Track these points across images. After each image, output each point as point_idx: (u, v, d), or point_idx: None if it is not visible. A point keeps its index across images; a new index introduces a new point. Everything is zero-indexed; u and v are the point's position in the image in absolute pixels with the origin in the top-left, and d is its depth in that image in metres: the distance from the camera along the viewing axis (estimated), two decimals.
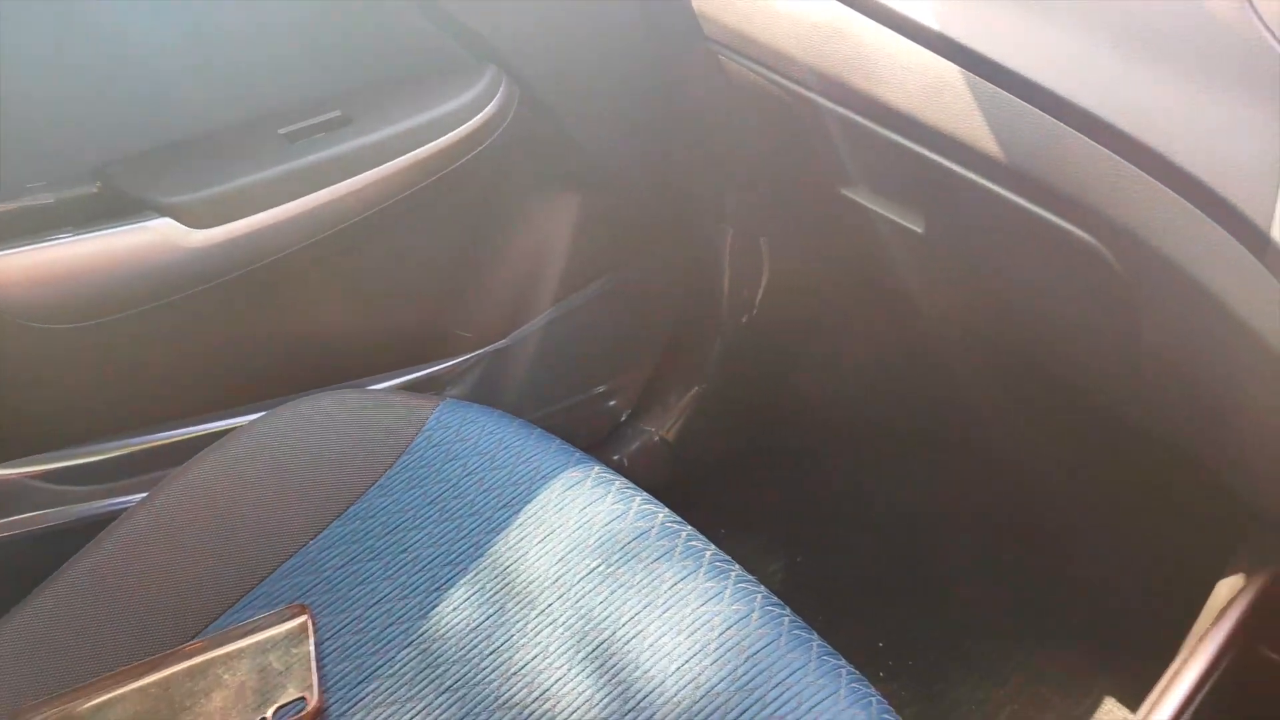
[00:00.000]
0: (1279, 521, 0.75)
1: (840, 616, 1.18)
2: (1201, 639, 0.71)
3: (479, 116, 1.00)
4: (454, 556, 0.70)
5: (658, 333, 1.32)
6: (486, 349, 1.12)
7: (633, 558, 0.68)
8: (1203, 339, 0.66)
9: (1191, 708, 0.68)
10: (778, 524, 1.29)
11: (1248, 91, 0.59)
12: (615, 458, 1.29)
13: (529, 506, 0.73)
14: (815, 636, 0.63)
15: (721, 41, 0.99)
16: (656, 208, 1.21)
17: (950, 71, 0.75)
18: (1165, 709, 0.68)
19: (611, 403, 1.30)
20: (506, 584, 0.67)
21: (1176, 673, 0.69)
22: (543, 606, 0.65)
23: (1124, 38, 0.65)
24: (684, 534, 0.70)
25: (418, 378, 1.10)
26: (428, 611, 0.66)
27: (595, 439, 1.30)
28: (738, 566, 0.68)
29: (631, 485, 0.76)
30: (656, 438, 1.31)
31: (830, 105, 0.89)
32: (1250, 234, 0.59)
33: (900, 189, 0.92)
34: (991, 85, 0.73)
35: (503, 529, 0.71)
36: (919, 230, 0.92)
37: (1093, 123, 0.66)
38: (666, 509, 0.73)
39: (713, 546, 0.70)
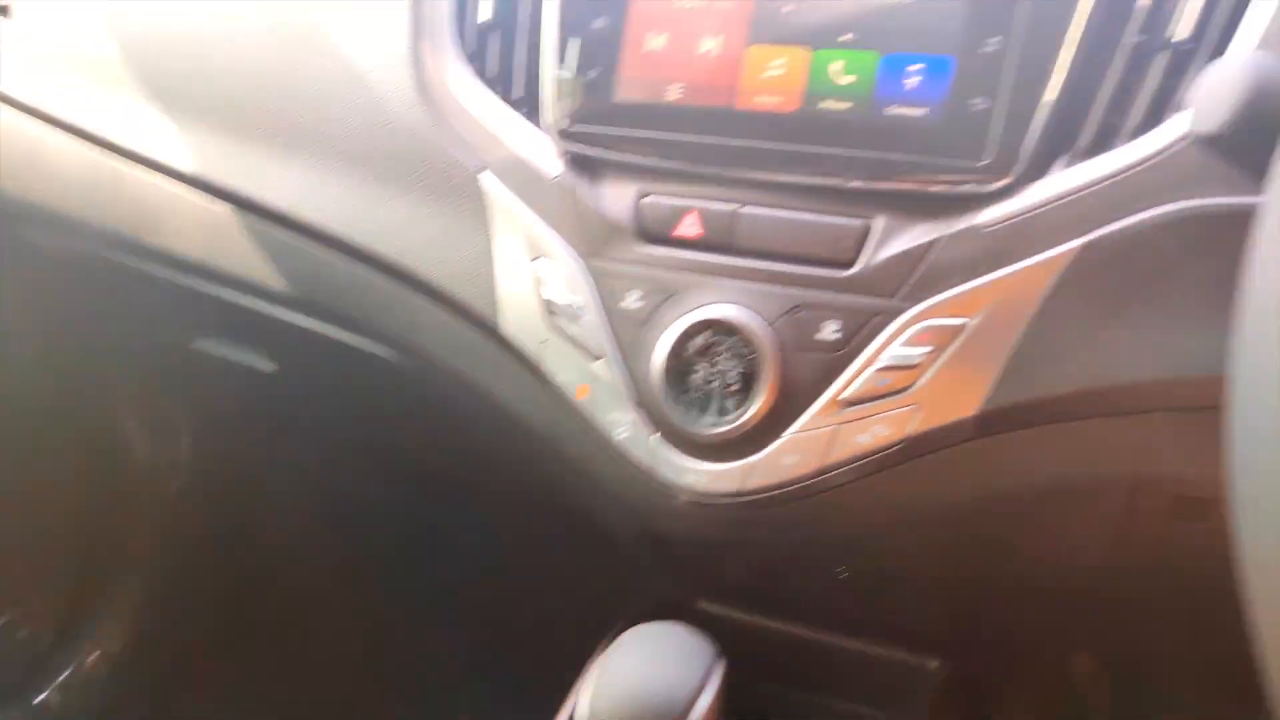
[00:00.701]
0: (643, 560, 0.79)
1: None
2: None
3: None
4: None
5: (63, 533, 1.13)
6: None
7: None
8: (495, 421, 0.68)
9: None
10: (261, 697, 1.17)
11: (452, 202, 0.62)
12: (39, 700, 1.08)
13: None
14: None
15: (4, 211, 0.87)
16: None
17: (224, 214, 0.72)
18: None
19: (22, 633, 1.09)
20: None
21: None
22: None
23: (353, 163, 0.65)
24: None
25: None
26: None
27: (7, 684, 1.08)
28: None
29: None
30: (92, 656, 1.12)
31: (134, 263, 0.82)
32: (485, 324, 0.62)
33: (234, 334, 0.87)
34: (262, 223, 0.70)
35: None
36: (270, 370, 0.87)
37: (346, 247, 0.66)
38: None
39: None
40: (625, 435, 0.58)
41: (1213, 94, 0.33)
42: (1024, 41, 0.48)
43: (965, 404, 0.51)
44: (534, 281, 0.60)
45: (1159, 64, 0.48)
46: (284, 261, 0.70)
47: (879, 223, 0.52)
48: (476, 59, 0.62)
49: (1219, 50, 0.47)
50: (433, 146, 0.62)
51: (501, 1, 0.61)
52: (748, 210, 0.55)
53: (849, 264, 0.53)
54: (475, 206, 0.61)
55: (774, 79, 0.53)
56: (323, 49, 0.66)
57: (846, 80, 0.51)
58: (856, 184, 0.52)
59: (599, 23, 0.56)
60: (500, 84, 0.62)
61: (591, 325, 0.58)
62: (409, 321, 0.66)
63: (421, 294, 0.64)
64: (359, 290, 0.67)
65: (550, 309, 0.59)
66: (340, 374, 0.79)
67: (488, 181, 0.61)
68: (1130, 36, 0.48)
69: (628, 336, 0.58)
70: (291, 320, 0.74)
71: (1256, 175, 0.35)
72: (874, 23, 0.51)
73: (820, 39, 0.52)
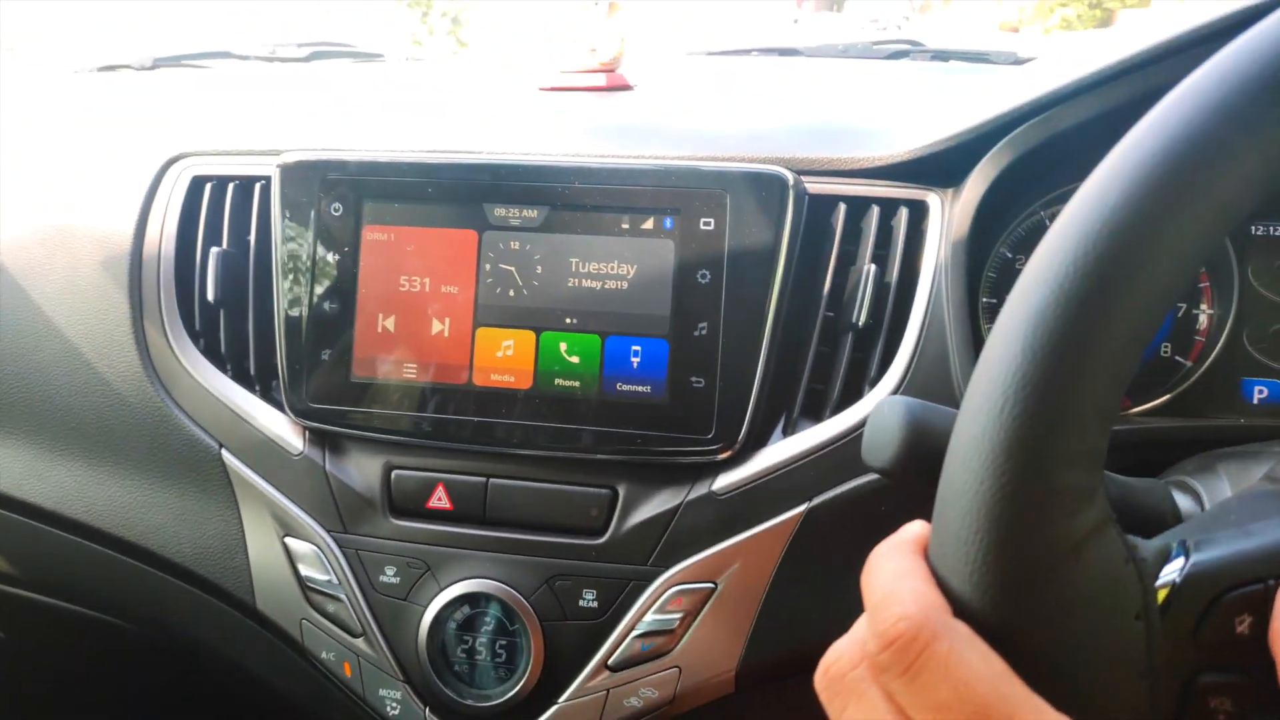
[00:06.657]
0: None
1: None
2: None
3: None
4: None
5: None
6: None
7: None
8: (253, 695, 0.64)
9: None
10: None
11: (196, 481, 0.59)
12: None
13: None
14: None
15: None
16: None
17: None
18: None
19: None
20: None
21: None
22: None
23: (86, 445, 0.61)
24: None
25: None
26: None
27: None
28: None
29: None
30: None
31: None
32: (241, 603, 0.59)
33: None
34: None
35: None
36: None
37: (84, 529, 0.62)
38: None
39: None
40: (395, 712, 0.57)
41: (876, 438, 0.36)
42: (728, 325, 0.51)
43: (723, 663, 0.53)
44: (287, 559, 0.58)
45: (846, 342, 0.52)
46: (19, 548, 0.65)
47: (624, 490, 0.54)
48: (207, 336, 0.60)
49: (895, 330, 0.52)
50: (169, 425, 0.59)
51: (227, 280, 0.59)
52: (496, 482, 0.55)
53: (600, 531, 0.54)
54: (221, 484, 0.59)
55: (506, 359, 0.54)
56: (45, 333, 0.61)
57: (573, 360, 0.53)
58: (598, 455, 0.53)
59: (329, 304, 0.56)
60: (233, 361, 0.60)
61: (349, 602, 0.56)
62: (157, 599, 0.62)
63: (169, 573, 0.61)
64: (99, 570, 0.63)
65: (307, 586, 0.57)
66: (78, 646, 0.73)
67: (230, 459, 0.58)
68: (815, 320, 0.53)
69: (387, 612, 0.56)
70: (18, 593, 0.68)
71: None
72: (591, 309, 0.53)
73: (544, 322, 0.53)
